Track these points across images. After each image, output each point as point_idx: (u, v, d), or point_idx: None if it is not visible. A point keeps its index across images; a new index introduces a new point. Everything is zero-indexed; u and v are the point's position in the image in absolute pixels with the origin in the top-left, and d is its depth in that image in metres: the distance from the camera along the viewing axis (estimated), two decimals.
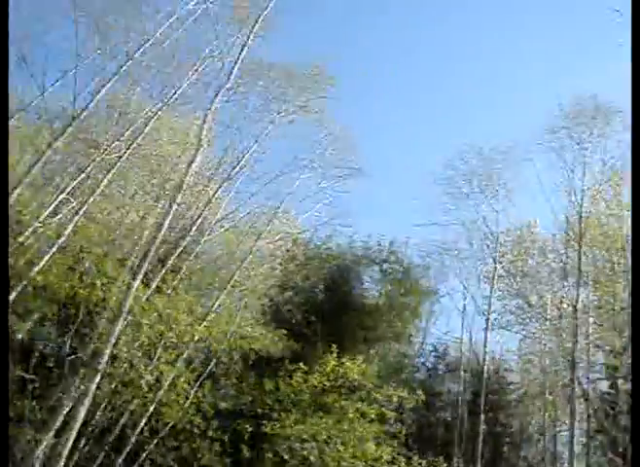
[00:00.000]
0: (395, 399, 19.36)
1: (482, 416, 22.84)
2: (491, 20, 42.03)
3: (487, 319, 24.21)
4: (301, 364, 18.27)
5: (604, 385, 25.55)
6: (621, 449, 22.91)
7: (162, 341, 15.75)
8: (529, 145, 22.86)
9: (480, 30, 43.15)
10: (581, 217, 20.72)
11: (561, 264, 22.41)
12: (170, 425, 16.10)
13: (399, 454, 18.23)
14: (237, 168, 18.74)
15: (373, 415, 18.28)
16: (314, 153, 20.81)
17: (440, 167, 25.17)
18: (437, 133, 42.14)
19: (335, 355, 18.56)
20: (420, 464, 18.19)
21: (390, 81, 44.25)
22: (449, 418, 25.28)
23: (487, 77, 43.63)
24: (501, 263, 24.60)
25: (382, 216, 35.47)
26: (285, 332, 18.99)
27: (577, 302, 20.38)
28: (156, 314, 15.26)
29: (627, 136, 21.59)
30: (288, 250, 21.96)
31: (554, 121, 22.07)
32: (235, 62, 17.05)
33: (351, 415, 18.01)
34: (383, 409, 18.66)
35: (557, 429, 24.86)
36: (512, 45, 43.24)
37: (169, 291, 16.51)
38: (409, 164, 37.66)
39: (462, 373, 25.33)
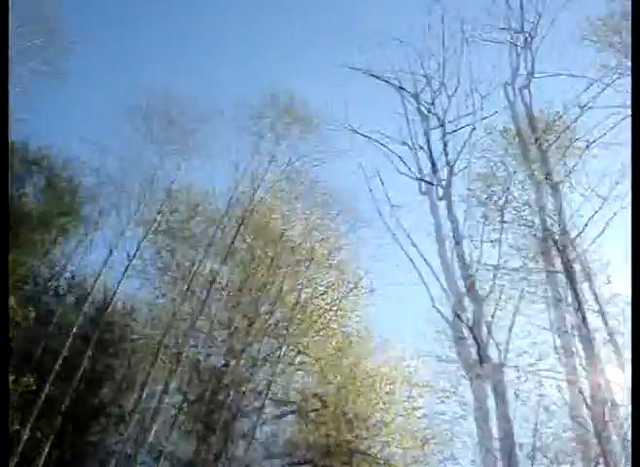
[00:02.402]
0: None
1: (90, 353, 23.69)
2: None
3: (129, 263, 24.61)
4: None
5: (218, 361, 28.50)
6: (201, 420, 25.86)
7: None
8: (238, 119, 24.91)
9: None
10: (251, 202, 23.22)
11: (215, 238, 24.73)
12: None
13: None
14: None
15: None
16: (29, 28, 19.87)
17: (143, 103, 25.83)
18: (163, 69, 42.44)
19: None
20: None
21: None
22: (58, 346, 25.83)
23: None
24: (162, 215, 25.80)
25: (63, 122, 34.84)
26: None
27: (215, 276, 22.75)
28: None
29: (320, 143, 24.88)
30: None
31: (262, 106, 24.39)
32: None
33: None
34: None
35: (159, 387, 26.98)
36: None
37: None
38: (116, 89, 37.45)
39: (87, 306, 25.77)
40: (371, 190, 19.14)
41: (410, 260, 18.29)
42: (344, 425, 26.56)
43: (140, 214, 25.52)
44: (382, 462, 27.65)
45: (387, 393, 26.85)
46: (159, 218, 25.09)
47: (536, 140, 20.33)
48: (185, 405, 25.09)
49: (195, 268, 25.00)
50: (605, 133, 21.62)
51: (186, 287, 25.00)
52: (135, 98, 26.63)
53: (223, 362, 27.81)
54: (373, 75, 21.33)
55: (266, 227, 25.00)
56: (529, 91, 20.97)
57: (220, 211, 25.78)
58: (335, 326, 26.04)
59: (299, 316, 24.71)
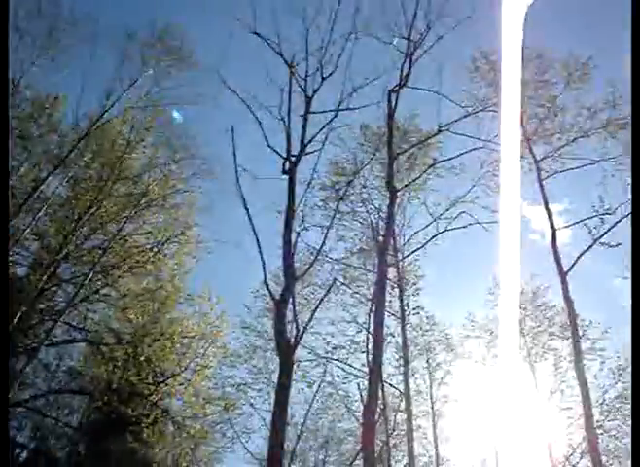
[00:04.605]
0: None
1: None
2: None
3: None
4: None
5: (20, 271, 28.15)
6: None
7: None
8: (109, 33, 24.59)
9: None
10: (99, 119, 23.31)
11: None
12: None
13: None
14: None
15: None
16: None
17: None
18: None
19: None
20: None
21: None
22: None
23: None
24: None
25: None
26: None
27: (39, 184, 22.67)
28: None
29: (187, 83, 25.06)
30: None
31: (138, 29, 24.39)
32: None
33: None
34: None
35: None
36: None
37: None
38: None
39: None
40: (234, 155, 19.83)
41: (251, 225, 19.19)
42: (133, 366, 26.89)
43: None
44: (161, 411, 28.27)
45: (183, 345, 27.46)
46: None
47: (389, 145, 21.60)
48: None
49: (21, 171, 24.45)
50: (454, 157, 23.42)
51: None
52: None
53: (25, 273, 27.44)
54: (256, 33, 21.82)
55: (109, 150, 24.73)
56: (397, 97, 22.19)
57: (65, 120, 25.29)
58: (150, 267, 26.24)
59: (115, 247, 24.73)
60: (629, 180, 22.63)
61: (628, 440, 28.04)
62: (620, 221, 22.07)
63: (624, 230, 22.27)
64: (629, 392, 27.93)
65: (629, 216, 22.09)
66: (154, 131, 25.41)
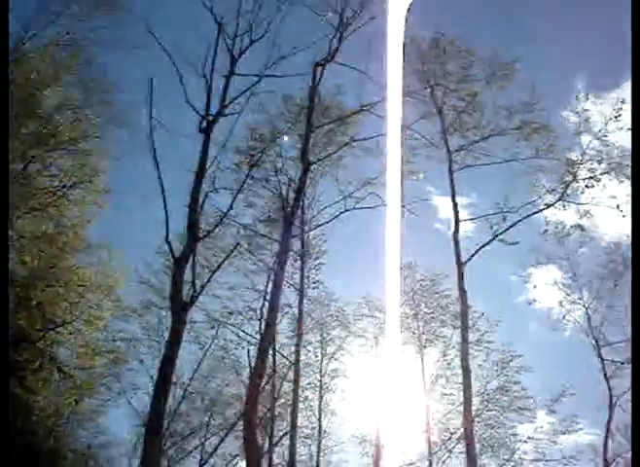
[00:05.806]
0: None
1: None
2: None
3: None
4: None
5: None
6: None
7: None
8: None
9: None
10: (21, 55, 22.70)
11: None
12: None
13: None
14: None
15: None
16: None
17: None
18: None
19: None
20: None
21: None
22: None
23: None
24: None
25: None
26: None
27: None
28: None
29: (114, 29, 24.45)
30: None
31: None
32: None
33: None
34: None
35: None
36: None
37: None
38: None
39: None
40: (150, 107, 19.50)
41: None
42: (24, 310, 26.21)
43: None
44: (48, 358, 27.71)
45: (78, 294, 26.86)
46: None
47: (308, 118, 21.66)
48: None
49: None
50: (370, 138, 23.63)
51: None
52: None
53: None
54: None
55: (23, 85, 23.75)
56: (322, 71, 22.22)
57: None
58: (52, 211, 25.50)
59: (17, 187, 23.88)
60: (535, 182, 23.47)
61: (504, 430, 29.35)
62: (520, 220, 22.84)
63: (524, 229, 23.12)
64: (511, 385, 29.28)
65: (529, 217, 22.96)
66: (71, 72, 24.54)
